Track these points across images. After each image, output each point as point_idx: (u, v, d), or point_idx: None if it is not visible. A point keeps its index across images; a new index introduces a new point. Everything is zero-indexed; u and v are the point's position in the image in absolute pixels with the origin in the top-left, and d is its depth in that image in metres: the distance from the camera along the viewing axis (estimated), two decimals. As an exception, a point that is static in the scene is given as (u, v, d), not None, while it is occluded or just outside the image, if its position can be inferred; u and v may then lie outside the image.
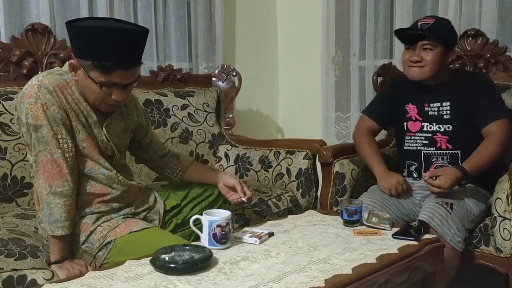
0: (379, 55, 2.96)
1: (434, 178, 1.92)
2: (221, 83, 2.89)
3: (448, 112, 2.06)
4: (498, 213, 1.88)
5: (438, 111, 2.08)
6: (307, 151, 2.46)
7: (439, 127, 2.08)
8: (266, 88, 3.47)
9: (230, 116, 2.85)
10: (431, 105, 2.09)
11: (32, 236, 1.68)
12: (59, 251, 1.53)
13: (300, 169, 2.44)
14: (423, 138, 2.12)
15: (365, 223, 1.77)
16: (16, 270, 1.44)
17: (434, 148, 2.09)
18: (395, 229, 1.72)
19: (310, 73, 3.30)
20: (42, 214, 1.56)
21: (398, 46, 2.82)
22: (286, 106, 3.54)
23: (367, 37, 2.98)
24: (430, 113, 2.10)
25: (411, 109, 2.14)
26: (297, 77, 3.44)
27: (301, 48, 3.39)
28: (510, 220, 1.85)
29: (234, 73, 2.87)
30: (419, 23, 2.01)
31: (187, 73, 2.80)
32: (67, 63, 1.61)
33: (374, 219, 1.76)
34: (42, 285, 1.32)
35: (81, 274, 1.34)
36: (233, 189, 1.85)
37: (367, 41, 2.98)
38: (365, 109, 2.37)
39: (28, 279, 1.44)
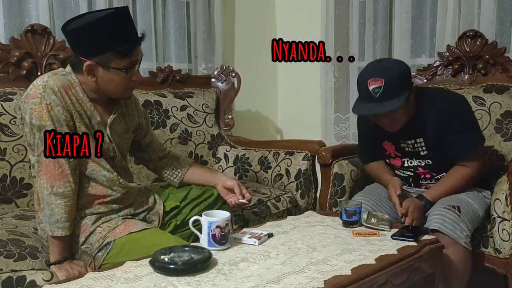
0: (378, 56, 2.96)
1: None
2: (220, 84, 2.89)
3: (424, 148, 2.01)
4: (497, 214, 1.88)
5: (414, 147, 2.03)
6: (306, 152, 2.46)
7: (419, 162, 2.04)
8: (265, 89, 3.47)
9: (229, 117, 2.85)
10: (406, 141, 2.04)
11: (32, 237, 1.68)
12: (58, 251, 1.53)
13: (299, 170, 2.44)
14: (407, 171, 2.10)
15: (364, 224, 1.77)
16: (15, 271, 1.44)
17: (420, 178, 2.09)
18: (394, 230, 1.72)
19: (309, 74, 3.30)
20: (42, 215, 1.56)
21: (397, 47, 2.84)
22: (285, 107, 3.55)
23: (366, 38, 2.98)
24: (406, 149, 2.05)
25: (388, 146, 2.09)
26: (296, 78, 3.44)
27: (300, 49, 3.39)
28: (509, 221, 1.85)
29: (233, 74, 2.87)
30: (370, 87, 1.85)
31: (186, 74, 2.80)
32: (68, 65, 1.62)
33: (373, 220, 1.76)
34: (42, 286, 1.32)
35: (80, 275, 1.35)
36: (232, 190, 1.85)
37: (366, 42, 2.99)
38: (359, 155, 2.31)
39: (28, 280, 1.44)
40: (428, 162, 2.03)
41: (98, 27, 1.50)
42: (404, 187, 2.14)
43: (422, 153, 2.02)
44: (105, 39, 1.51)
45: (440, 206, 1.88)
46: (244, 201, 1.81)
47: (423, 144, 2.00)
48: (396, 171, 2.15)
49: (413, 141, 2.02)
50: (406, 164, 2.08)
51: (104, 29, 1.50)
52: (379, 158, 2.17)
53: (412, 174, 2.10)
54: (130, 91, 1.68)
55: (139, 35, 1.60)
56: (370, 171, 2.22)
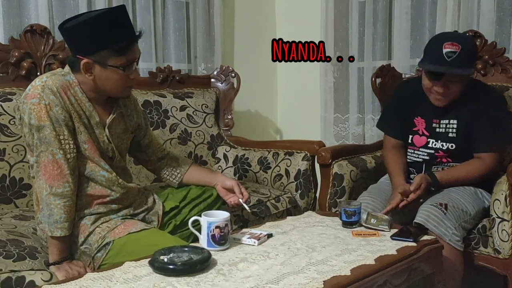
0: (377, 56, 2.96)
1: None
2: (220, 84, 2.89)
3: (454, 130, 2.03)
4: (497, 215, 1.88)
5: (446, 128, 2.04)
6: (306, 152, 2.46)
7: (442, 145, 2.05)
8: (265, 89, 3.47)
9: (229, 117, 2.85)
10: (441, 121, 2.05)
11: (31, 237, 1.68)
12: (58, 252, 1.53)
13: (299, 170, 2.44)
14: (425, 154, 2.10)
15: (363, 224, 1.77)
16: (15, 271, 1.44)
17: (435, 162, 2.09)
18: (394, 230, 1.72)
19: (308, 74, 3.30)
20: (41, 215, 1.56)
21: (397, 47, 2.83)
22: (285, 107, 3.55)
23: (366, 39, 2.98)
24: (437, 129, 2.06)
25: (420, 123, 2.09)
26: (296, 78, 3.44)
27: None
28: (508, 221, 1.85)
29: (233, 74, 2.87)
30: (445, 50, 1.86)
31: (186, 74, 2.80)
32: (67, 65, 1.62)
33: (372, 220, 1.76)
34: (41, 286, 1.32)
35: (79, 276, 1.35)
36: (231, 191, 1.85)
37: (366, 42, 2.98)
38: (380, 125, 2.31)
39: (27, 280, 1.44)
40: (451, 146, 2.04)
41: (94, 25, 1.50)
42: (412, 176, 2.14)
43: (450, 135, 2.03)
44: (101, 37, 1.51)
45: (428, 203, 1.90)
46: (243, 202, 1.80)
47: (455, 126, 2.02)
48: (413, 154, 2.13)
49: (447, 121, 2.04)
50: (430, 145, 2.08)
51: (100, 27, 1.50)
52: (403, 134, 2.15)
53: (428, 158, 2.09)
54: (129, 89, 1.67)
55: (137, 33, 1.59)
56: (389, 159, 2.17)
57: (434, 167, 2.09)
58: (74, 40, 1.56)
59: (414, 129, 2.12)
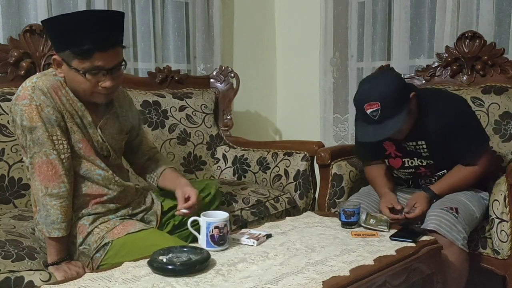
0: (376, 56, 2.96)
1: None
2: (219, 85, 2.89)
3: (425, 150, 2.00)
4: (495, 215, 1.88)
5: (415, 148, 2.01)
6: (305, 152, 2.46)
7: (420, 162, 2.03)
8: (264, 89, 3.47)
9: (228, 117, 2.85)
10: (407, 143, 2.02)
11: (30, 237, 1.67)
12: (56, 252, 1.53)
13: (298, 170, 2.44)
14: (406, 173, 2.10)
15: (363, 224, 1.77)
16: (13, 271, 1.44)
17: (420, 177, 2.08)
18: (393, 231, 1.72)
19: (308, 74, 3.30)
20: (39, 216, 1.56)
21: (396, 48, 2.83)
22: (284, 108, 3.55)
23: (365, 39, 2.98)
24: (408, 148, 2.03)
25: (389, 146, 2.07)
26: (295, 78, 3.44)
27: (299, 49, 3.39)
28: (507, 222, 1.85)
29: (232, 75, 2.87)
30: (368, 111, 1.85)
31: (185, 74, 2.80)
32: None
33: (372, 221, 1.76)
34: (40, 287, 1.32)
35: (78, 276, 1.35)
36: (187, 199, 1.72)
37: (365, 42, 2.98)
38: (356, 153, 2.29)
39: (25, 280, 1.44)
40: (429, 162, 2.02)
41: (63, 23, 1.49)
42: (403, 188, 2.14)
43: (423, 154, 2.01)
44: (66, 35, 1.48)
45: (438, 207, 1.88)
46: (184, 211, 1.67)
47: (425, 146, 1.99)
48: (397, 174, 2.14)
49: (414, 143, 2.00)
50: (406, 164, 2.06)
51: (65, 26, 1.48)
52: (380, 157, 2.13)
53: (411, 176, 2.09)
54: (102, 96, 1.58)
55: (114, 41, 1.51)
56: (369, 174, 2.18)
57: (422, 180, 2.08)
58: (48, 36, 1.58)
59: (386, 153, 2.09)
